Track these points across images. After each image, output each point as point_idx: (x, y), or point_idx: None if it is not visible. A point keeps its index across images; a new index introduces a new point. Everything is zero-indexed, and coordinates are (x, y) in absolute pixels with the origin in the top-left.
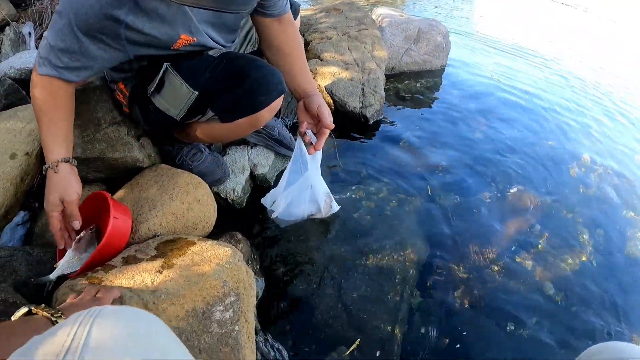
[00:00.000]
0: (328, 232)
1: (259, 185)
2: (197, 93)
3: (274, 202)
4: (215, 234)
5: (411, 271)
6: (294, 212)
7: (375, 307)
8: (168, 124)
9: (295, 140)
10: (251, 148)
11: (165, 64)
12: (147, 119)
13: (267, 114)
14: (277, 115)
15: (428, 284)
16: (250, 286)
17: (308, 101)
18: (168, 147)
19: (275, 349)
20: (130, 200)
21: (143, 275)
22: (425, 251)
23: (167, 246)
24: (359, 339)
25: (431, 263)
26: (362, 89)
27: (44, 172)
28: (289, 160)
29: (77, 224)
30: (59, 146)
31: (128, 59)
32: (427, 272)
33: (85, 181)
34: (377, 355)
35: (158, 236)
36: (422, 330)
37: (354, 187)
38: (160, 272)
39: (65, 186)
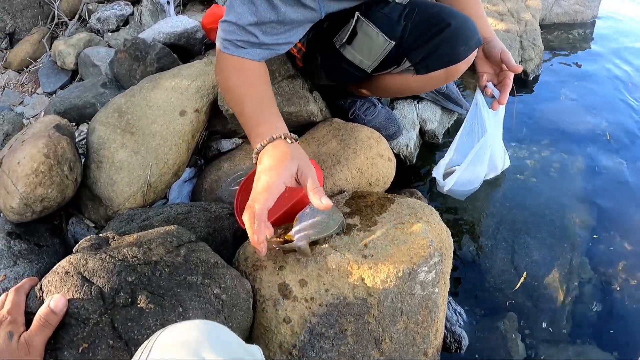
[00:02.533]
0: (496, 193)
1: (428, 142)
2: (393, 43)
3: (445, 174)
4: (390, 191)
5: (579, 238)
6: (472, 181)
7: (546, 273)
8: (355, 76)
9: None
10: (418, 102)
11: (356, 13)
12: (329, 73)
13: (464, 66)
14: None
15: (596, 254)
16: (450, 246)
17: (488, 47)
18: (340, 101)
19: (457, 313)
20: (309, 155)
21: (345, 232)
22: (592, 218)
23: (360, 202)
24: (525, 273)
25: (598, 231)
26: (521, 42)
27: (256, 155)
28: (456, 115)
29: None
30: (281, 120)
31: (318, 19)
32: (595, 240)
33: None
34: (544, 326)
35: (343, 192)
36: (590, 305)
37: (516, 147)
38: (363, 230)
39: (306, 159)
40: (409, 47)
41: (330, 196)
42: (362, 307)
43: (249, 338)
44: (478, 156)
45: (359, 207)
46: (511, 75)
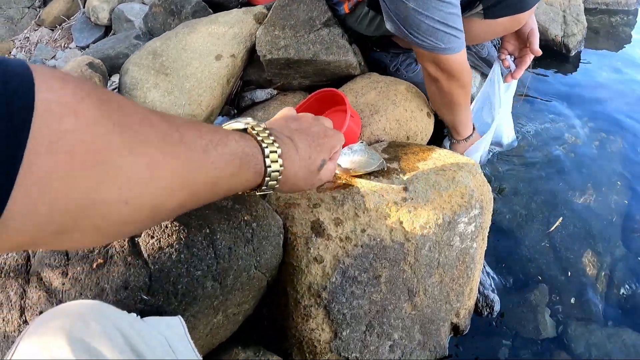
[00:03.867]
0: (534, 164)
1: None
2: None
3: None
4: None
5: (615, 217)
6: (483, 154)
7: (580, 248)
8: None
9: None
10: None
11: None
12: (379, 22)
13: (527, 16)
14: None
15: (631, 234)
16: (490, 201)
17: None
18: (383, 53)
19: (490, 277)
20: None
21: (383, 175)
22: (628, 199)
23: (399, 150)
24: (561, 217)
25: (632, 213)
26: (564, 16)
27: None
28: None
29: None
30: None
31: None
32: (629, 221)
33: (288, 88)
34: (574, 302)
35: (381, 141)
36: (624, 285)
37: (553, 119)
38: (404, 175)
39: None
40: None
41: (369, 144)
42: (399, 252)
43: (276, 280)
44: (489, 130)
45: (398, 154)
46: (529, 53)
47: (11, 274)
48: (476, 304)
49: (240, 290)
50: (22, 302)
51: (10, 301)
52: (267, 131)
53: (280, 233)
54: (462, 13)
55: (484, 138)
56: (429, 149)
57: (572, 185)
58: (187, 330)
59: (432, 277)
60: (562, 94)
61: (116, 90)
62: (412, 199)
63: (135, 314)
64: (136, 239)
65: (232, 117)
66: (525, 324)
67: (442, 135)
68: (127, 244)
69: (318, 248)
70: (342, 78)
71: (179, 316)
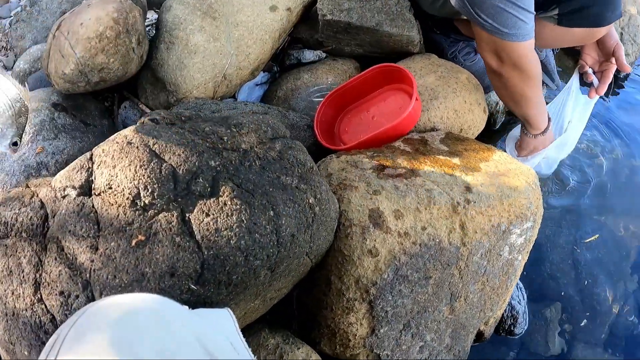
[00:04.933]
0: (560, 184)
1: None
2: None
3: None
4: None
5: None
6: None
7: (601, 274)
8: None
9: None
10: None
11: None
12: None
13: (603, 32)
14: None
15: None
16: (541, 216)
17: (604, 35)
18: (442, 36)
19: (518, 288)
20: None
21: (445, 169)
22: None
23: (458, 145)
24: (597, 235)
25: None
26: (621, 34)
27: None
28: (545, 90)
29: None
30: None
31: None
32: None
33: (338, 53)
34: (583, 324)
35: (436, 130)
36: (632, 321)
37: (590, 141)
38: (466, 174)
39: None
40: None
41: (422, 132)
42: (453, 256)
43: (320, 266)
44: (556, 145)
45: (458, 150)
46: (613, 68)
47: (23, 234)
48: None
49: (285, 277)
50: (38, 275)
51: (23, 271)
52: None
53: (336, 218)
54: (535, 13)
55: (550, 147)
56: (488, 149)
57: (605, 211)
58: (237, 324)
59: (476, 284)
60: (603, 116)
61: (154, 27)
62: (475, 202)
63: (187, 307)
64: (187, 215)
65: (273, 74)
66: (535, 338)
67: (489, 132)
68: (175, 220)
69: (375, 240)
70: (398, 53)
71: (228, 309)
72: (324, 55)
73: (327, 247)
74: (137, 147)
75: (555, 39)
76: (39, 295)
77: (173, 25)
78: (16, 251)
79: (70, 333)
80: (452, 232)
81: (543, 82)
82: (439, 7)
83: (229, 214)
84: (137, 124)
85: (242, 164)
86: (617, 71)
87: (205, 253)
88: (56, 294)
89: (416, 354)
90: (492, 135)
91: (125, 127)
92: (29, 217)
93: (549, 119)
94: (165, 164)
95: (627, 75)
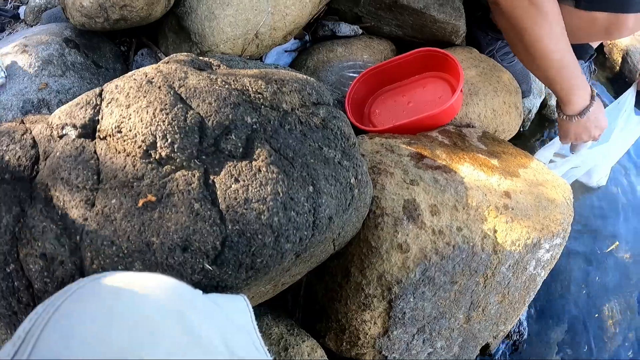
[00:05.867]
0: (594, 202)
1: (543, 115)
2: None
3: (551, 161)
4: None
5: None
6: (569, 175)
7: (611, 302)
8: None
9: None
10: None
11: None
12: None
13: (632, 23)
14: (585, 58)
15: None
16: (567, 234)
17: None
18: (480, 34)
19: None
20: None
21: (485, 170)
22: None
23: (496, 146)
24: (617, 242)
25: None
26: None
27: None
28: None
29: None
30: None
31: None
32: None
33: (375, 32)
34: (585, 349)
35: (473, 126)
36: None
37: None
38: (505, 178)
39: None
40: None
41: (458, 126)
42: (483, 262)
43: (339, 254)
44: (593, 156)
45: (497, 151)
46: None
47: (6, 176)
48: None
49: (305, 262)
50: (17, 228)
51: (0, 221)
52: None
53: (369, 204)
54: None
55: (575, 158)
56: (526, 156)
57: (623, 236)
58: (253, 315)
59: (497, 295)
60: None
61: None
62: (513, 209)
63: (201, 292)
64: (212, 177)
65: (303, 42)
66: (534, 356)
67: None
68: (196, 181)
69: (407, 235)
70: (438, 42)
71: (244, 297)
72: (360, 31)
73: (353, 235)
74: (159, 88)
75: (579, 29)
76: (14, 254)
77: None
78: None
79: (54, 317)
80: (486, 237)
81: None
82: None
83: (263, 182)
84: (161, 61)
85: (281, 125)
86: None
87: (229, 227)
88: (36, 256)
89: None
90: (524, 137)
91: None
92: (16, 157)
93: (594, 96)
94: (191, 112)
95: None
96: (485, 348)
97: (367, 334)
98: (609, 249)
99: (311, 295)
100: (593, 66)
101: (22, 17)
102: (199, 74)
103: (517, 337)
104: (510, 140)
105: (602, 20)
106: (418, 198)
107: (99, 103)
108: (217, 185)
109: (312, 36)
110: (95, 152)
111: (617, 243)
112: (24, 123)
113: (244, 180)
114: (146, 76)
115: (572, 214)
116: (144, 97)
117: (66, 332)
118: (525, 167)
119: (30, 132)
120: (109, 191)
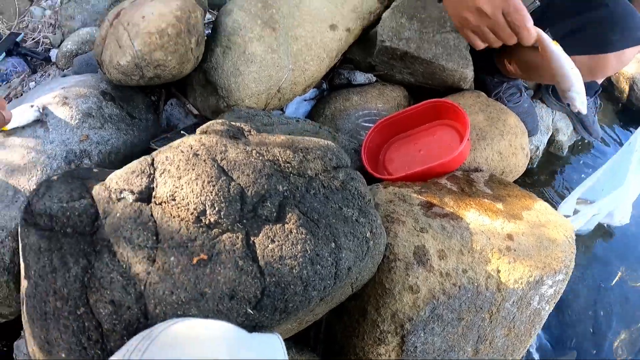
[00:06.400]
0: (616, 250)
1: (551, 152)
2: (538, 3)
3: (575, 211)
4: None
5: None
6: (592, 222)
7: (619, 329)
8: None
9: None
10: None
11: None
12: None
13: (614, 62)
14: (591, 94)
15: None
16: (571, 269)
17: None
18: (488, 77)
19: (537, 335)
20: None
21: (489, 215)
22: None
23: (501, 189)
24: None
25: None
26: None
27: None
28: (586, 135)
29: None
30: None
31: None
32: None
33: (389, 79)
34: None
35: (480, 170)
36: None
37: None
38: (508, 221)
39: None
40: (555, 17)
41: (466, 171)
42: (487, 300)
43: (356, 296)
44: (614, 200)
45: (502, 195)
46: None
47: (69, 230)
48: None
49: (327, 304)
50: (86, 278)
51: (69, 271)
52: None
53: (383, 252)
54: None
55: (597, 205)
56: (530, 197)
57: (629, 269)
58: (285, 349)
59: (503, 329)
60: None
61: (208, 26)
62: (515, 250)
63: (245, 331)
64: (252, 238)
65: (321, 91)
66: None
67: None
68: (240, 242)
69: (417, 277)
70: (448, 87)
71: (278, 335)
72: (374, 79)
73: (369, 278)
74: (205, 161)
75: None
76: (84, 299)
77: (232, 30)
78: (61, 247)
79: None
80: (490, 277)
81: (580, 134)
82: None
83: (294, 242)
84: (199, 132)
85: (307, 191)
86: None
87: (267, 279)
88: (106, 302)
89: None
90: (532, 173)
91: (169, 124)
92: (76, 213)
93: None
94: (233, 183)
95: None
96: None
97: None
98: (614, 281)
99: (331, 334)
100: (599, 101)
101: (53, 59)
102: (237, 147)
103: None
104: (520, 177)
105: (584, 63)
106: (427, 244)
107: (152, 172)
108: (257, 245)
109: (329, 84)
110: (152, 215)
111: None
112: (75, 178)
113: (278, 241)
114: (192, 148)
115: (574, 250)
116: (193, 169)
117: None
118: (529, 209)
119: (89, 192)
120: (167, 250)
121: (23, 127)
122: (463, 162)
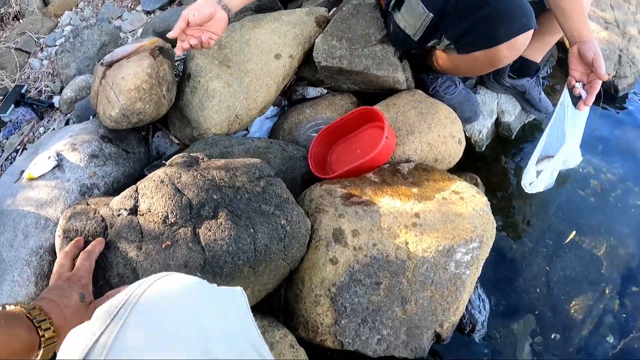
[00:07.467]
0: (549, 202)
1: (501, 133)
2: (431, 16)
3: (532, 181)
4: (453, 171)
5: (620, 269)
6: (553, 176)
7: (574, 291)
8: (406, 42)
9: (561, 94)
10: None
11: None
12: (391, 35)
13: (506, 51)
14: (532, 75)
15: (631, 289)
16: (491, 237)
17: (584, 48)
18: (423, 74)
19: (481, 299)
20: (387, 119)
21: (402, 198)
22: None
23: (423, 175)
24: (574, 232)
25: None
26: (619, 56)
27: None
28: (535, 113)
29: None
30: None
31: None
32: (632, 276)
33: (338, 89)
34: (554, 337)
35: (410, 161)
36: (607, 336)
37: (586, 160)
38: (419, 201)
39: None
40: (448, 23)
41: (397, 163)
42: (400, 267)
43: (297, 269)
44: (562, 156)
45: (421, 180)
46: (600, 81)
47: (90, 239)
48: (461, 320)
49: (267, 275)
50: (103, 262)
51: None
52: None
53: (307, 234)
54: (430, 42)
55: (554, 160)
56: (449, 179)
57: (585, 230)
58: (247, 301)
59: (425, 291)
60: (599, 134)
61: (177, 62)
62: (421, 225)
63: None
64: (197, 230)
65: (281, 108)
66: (505, 349)
67: (471, 161)
68: (190, 233)
69: (335, 252)
70: (389, 90)
71: (241, 288)
72: (325, 91)
73: (301, 255)
74: (167, 185)
75: (471, 67)
76: (102, 275)
77: (195, 73)
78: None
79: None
80: (399, 249)
81: (530, 112)
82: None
83: (223, 230)
84: (167, 166)
85: (235, 196)
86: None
87: (207, 254)
88: (114, 275)
89: (375, 345)
90: (482, 155)
91: (157, 153)
92: (94, 227)
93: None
94: (184, 197)
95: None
96: (439, 337)
97: (322, 324)
98: (568, 240)
99: (287, 302)
100: (546, 72)
101: (57, 105)
102: (188, 173)
103: (470, 327)
104: (466, 157)
105: (482, 57)
106: (343, 226)
107: (137, 195)
108: (200, 234)
109: (288, 101)
110: (138, 222)
111: (574, 232)
112: (89, 205)
113: (214, 230)
114: (159, 177)
115: (490, 220)
116: (159, 191)
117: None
118: (443, 190)
119: (98, 212)
120: (148, 241)
121: (44, 174)
122: (390, 157)
